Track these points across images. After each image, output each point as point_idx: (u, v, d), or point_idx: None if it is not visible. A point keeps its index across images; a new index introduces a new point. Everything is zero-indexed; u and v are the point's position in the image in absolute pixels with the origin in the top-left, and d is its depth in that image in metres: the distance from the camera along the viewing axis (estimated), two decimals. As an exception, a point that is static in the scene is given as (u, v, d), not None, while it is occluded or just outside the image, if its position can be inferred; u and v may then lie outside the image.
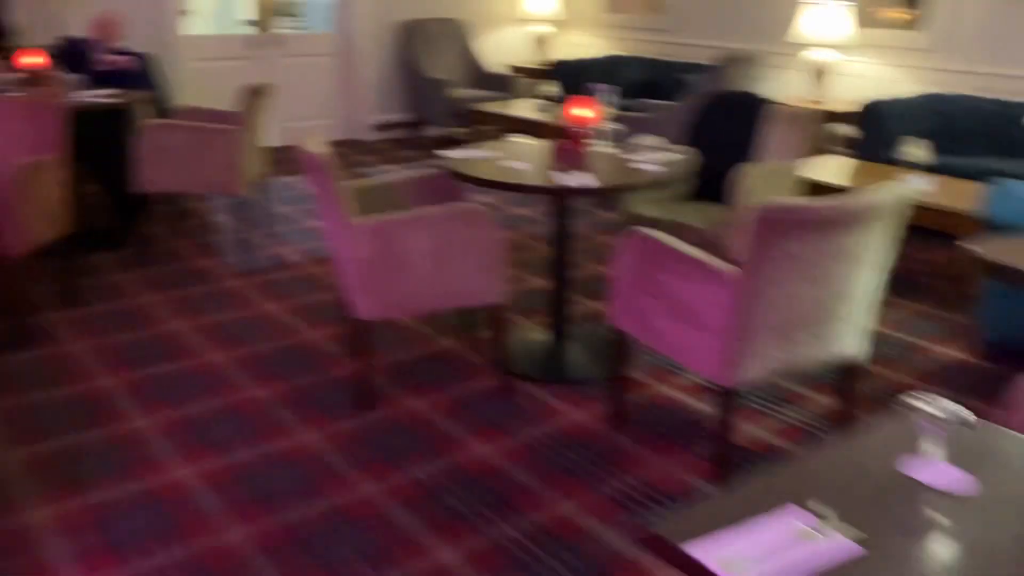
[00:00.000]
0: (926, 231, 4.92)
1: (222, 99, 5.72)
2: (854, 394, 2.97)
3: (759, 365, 2.66)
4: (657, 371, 3.53)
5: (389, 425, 3.12)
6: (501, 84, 7.81)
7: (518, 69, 8.36)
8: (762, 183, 3.73)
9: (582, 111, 3.37)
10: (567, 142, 3.34)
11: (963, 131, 5.52)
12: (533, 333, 3.80)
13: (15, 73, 4.74)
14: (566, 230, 3.55)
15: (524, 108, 6.99)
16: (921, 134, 5.63)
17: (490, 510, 2.64)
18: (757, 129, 4.17)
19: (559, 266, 3.59)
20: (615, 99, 3.34)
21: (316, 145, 3.09)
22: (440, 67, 7.92)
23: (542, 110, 6.79)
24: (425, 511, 2.63)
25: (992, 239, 3.12)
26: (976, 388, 3.41)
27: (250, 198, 5.41)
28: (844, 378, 2.93)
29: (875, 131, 5.51)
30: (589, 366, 3.56)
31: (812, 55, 6.35)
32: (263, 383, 3.42)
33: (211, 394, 3.32)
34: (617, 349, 3.06)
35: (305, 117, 7.71)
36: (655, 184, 3.21)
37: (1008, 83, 5.66)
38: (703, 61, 7.10)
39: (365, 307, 3.08)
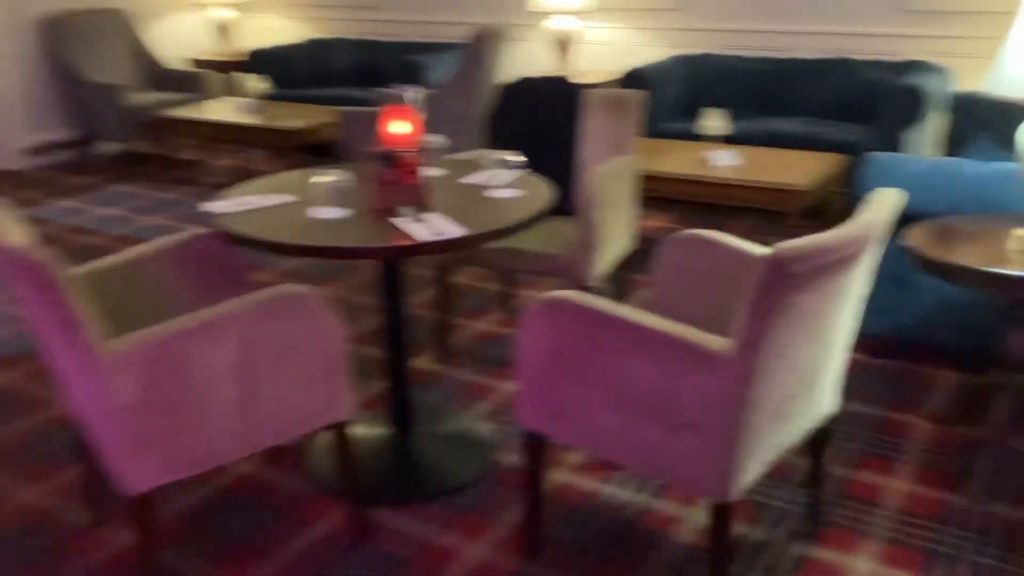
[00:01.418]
0: (746, 209, 4.56)
1: None
2: (824, 452, 2.34)
3: (758, 461, 1.93)
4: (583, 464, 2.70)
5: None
6: (186, 83, 6.45)
7: (202, 63, 7.01)
8: (609, 186, 3.01)
9: (400, 125, 2.41)
10: (391, 172, 2.38)
11: (736, 93, 5.20)
12: (373, 431, 2.81)
13: None
14: (400, 295, 2.59)
15: (223, 110, 5.77)
16: (688, 100, 5.25)
17: None
18: (575, 121, 3.43)
19: (396, 345, 2.63)
20: (420, 99, 2.42)
21: (12, 231, 1.87)
22: (106, 68, 6.38)
23: (249, 111, 5.62)
24: None
25: (916, 228, 2.63)
26: (872, 390, 2.97)
27: None
28: (816, 436, 2.28)
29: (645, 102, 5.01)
30: (460, 465, 2.66)
31: (553, 24, 5.76)
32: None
33: None
34: (530, 456, 2.19)
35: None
36: (533, 221, 2.35)
37: (767, 39, 5.42)
38: (436, 39, 6.27)
39: (138, 475, 1.95)
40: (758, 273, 1.69)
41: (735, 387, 1.77)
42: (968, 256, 2.40)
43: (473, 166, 2.78)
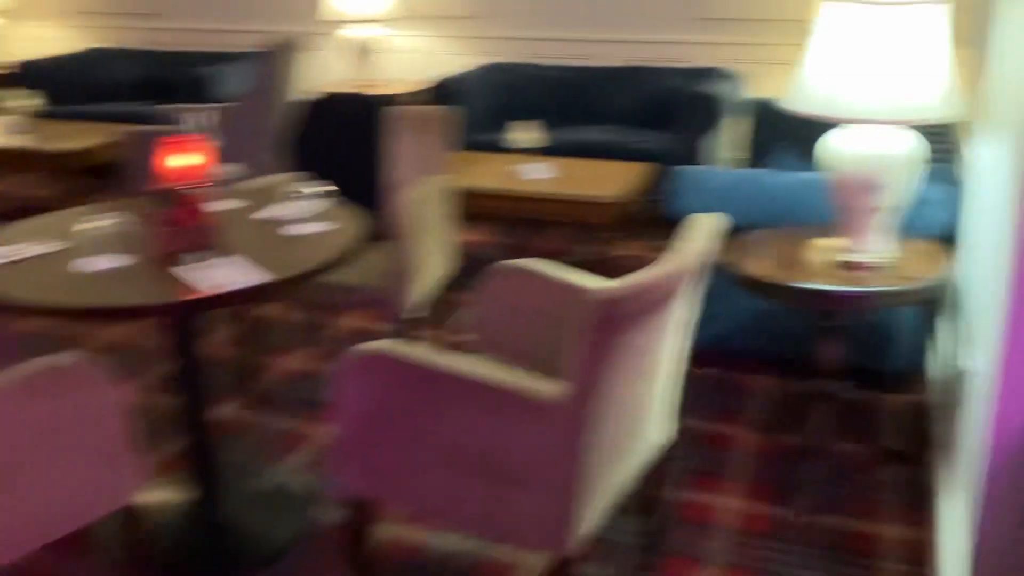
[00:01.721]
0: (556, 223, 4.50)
1: None
2: (660, 481, 2.27)
3: (597, 508, 1.82)
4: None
5: None
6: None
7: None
8: (422, 209, 2.85)
9: (187, 157, 2.14)
10: (174, 211, 2.10)
11: (545, 103, 5.16)
12: (173, 498, 2.50)
13: None
14: (193, 339, 2.31)
15: (-14, 132, 5.15)
16: (499, 110, 5.16)
17: None
18: (380, 140, 3.24)
19: (193, 396, 2.35)
20: (211, 122, 2.18)
21: None
22: None
23: (17, 131, 5.04)
24: None
25: (727, 243, 2.62)
26: (698, 402, 2.97)
27: None
28: (652, 465, 2.21)
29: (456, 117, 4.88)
30: (275, 528, 2.41)
31: (353, 32, 5.52)
32: None
33: None
34: (351, 516, 1.99)
35: None
36: (341, 260, 2.14)
37: (569, 47, 5.42)
38: (227, 48, 5.88)
39: None
40: (585, 317, 1.58)
41: (568, 436, 1.65)
42: (778, 271, 2.41)
43: (272, 196, 2.53)
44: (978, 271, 2.33)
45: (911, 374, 3.08)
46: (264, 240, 2.23)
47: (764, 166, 3.62)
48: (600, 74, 5.15)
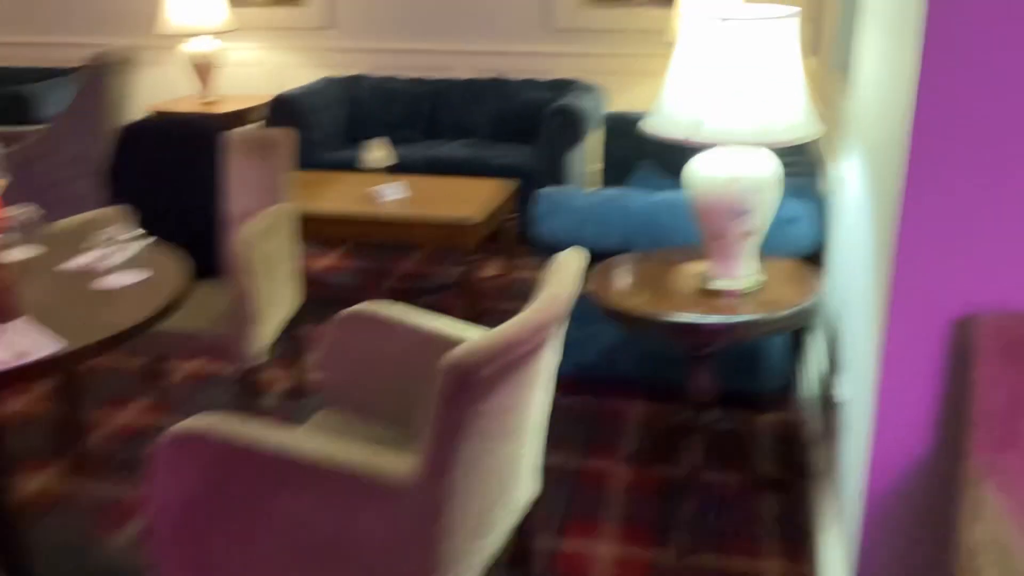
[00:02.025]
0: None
1: None
2: (529, 535, 2.09)
3: (460, 590, 1.62)
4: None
5: None
6: None
7: None
8: (262, 244, 2.59)
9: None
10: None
11: (397, 117, 4.93)
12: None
13: None
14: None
15: None
16: (348, 126, 4.91)
17: None
18: (216, 167, 2.95)
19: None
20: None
21: None
22: None
23: None
24: None
25: (593, 271, 2.47)
26: (567, 434, 2.82)
27: None
28: (524, 516, 2.02)
29: (296, 131, 4.57)
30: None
31: (194, 46, 5.15)
32: None
33: None
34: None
35: None
36: (159, 318, 1.86)
37: (422, 59, 5.21)
38: (54, 64, 5.38)
39: None
40: (438, 387, 1.38)
41: (423, 520, 1.45)
42: (645, 303, 2.27)
43: (80, 242, 2.22)
44: (846, 292, 2.26)
45: (782, 394, 3.03)
46: (67, 297, 1.93)
47: (627, 184, 3.52)
48: (458, 87, 4.96)
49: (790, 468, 2.68)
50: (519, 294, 3.92)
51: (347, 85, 5.01)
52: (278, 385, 3.15)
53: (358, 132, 4.83)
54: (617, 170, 4.05)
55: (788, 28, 2.04)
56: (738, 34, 2.00)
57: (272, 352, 2.72)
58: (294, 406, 3.02)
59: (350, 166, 4.21)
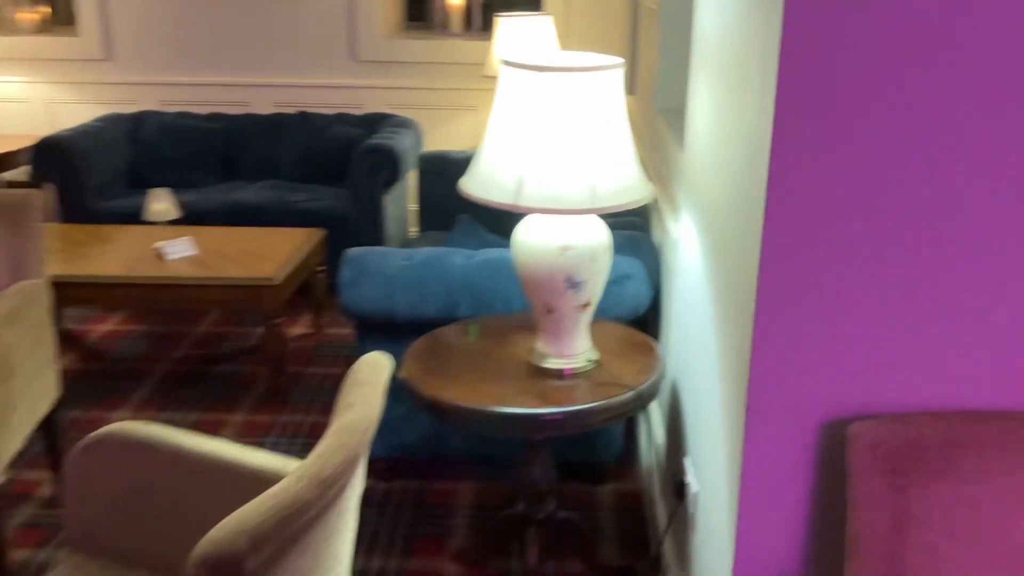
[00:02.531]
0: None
1: None
2: None
3: None
4: None
5: None
6: None
7: None
8: (5, 334, 2.11)
9: None
10: None
11: (188, 158, 4.42)
12: None
13: None
14: None
15: None
16: (131, 170, 4.36)
17: None
18: (-56, 236, 2.42)
19: None
20: None
21: None
22: None
23: None
24: None
25: (408, 355, 2.14)
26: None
27: None
28: None
29: (64, 177, 4.00)
30: None
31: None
32: None
33: None
34: None
35: None
36: None
37: (215, 93, 4.73)
38: None
39: None
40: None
41: None
42: (469, 391, 1.95)
43: None
44: (686, 361, 2.04)
45: (619, 463, 2.80)
46: None
47: (449, 235, 3.21)
48: (259, 123, 4.50)
49: (636, 554, 2.44)
50: (331, 356, 3.53)
51: (130, 123, 4.45)
52: (40, 490, 2.63)
53: (144, 177, 4.29)
54: (435, 213, 3.74)
55: (613, 80, 1.80)
56: (559, 87, 1.74)
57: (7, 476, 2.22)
58: (55, 516, 2.51)
59: (134, 217, 3.68)
